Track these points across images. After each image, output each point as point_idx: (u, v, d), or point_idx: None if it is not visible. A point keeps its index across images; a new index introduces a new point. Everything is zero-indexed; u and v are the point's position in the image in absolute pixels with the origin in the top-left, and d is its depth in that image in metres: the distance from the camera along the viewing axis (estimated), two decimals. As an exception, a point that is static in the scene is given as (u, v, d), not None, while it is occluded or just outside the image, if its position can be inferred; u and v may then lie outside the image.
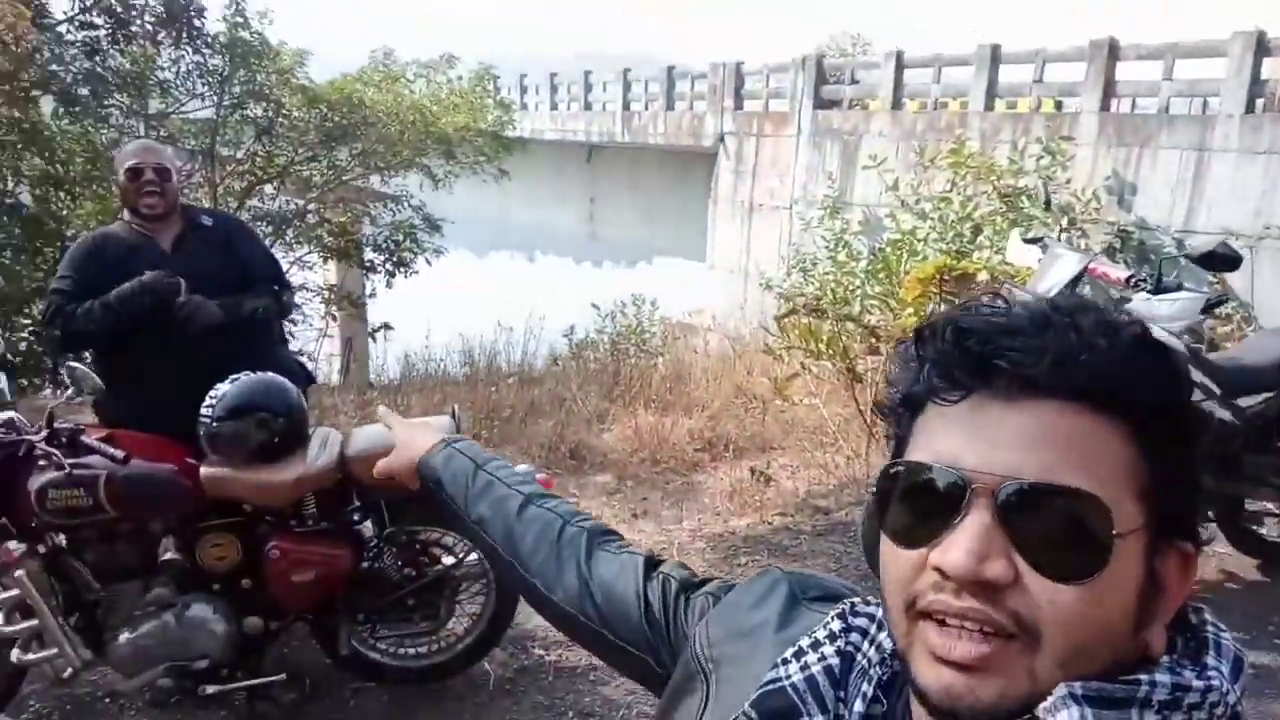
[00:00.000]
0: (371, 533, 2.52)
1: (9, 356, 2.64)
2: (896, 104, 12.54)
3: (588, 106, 19.11)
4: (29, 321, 10.66)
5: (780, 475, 5.23)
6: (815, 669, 0.65)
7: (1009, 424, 0.55)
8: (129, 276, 2.63)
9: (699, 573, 0.91)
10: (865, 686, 0.63)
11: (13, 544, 2.25)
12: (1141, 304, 3.39)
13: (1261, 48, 8.81)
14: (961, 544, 0.53)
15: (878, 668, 0.64)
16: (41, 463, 2.27)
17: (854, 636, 0.66)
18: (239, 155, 12.03)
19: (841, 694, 0.64)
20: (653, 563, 0.92)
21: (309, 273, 12.52)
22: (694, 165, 17.27)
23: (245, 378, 2.44)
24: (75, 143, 10.98)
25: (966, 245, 8.44)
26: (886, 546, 0.59)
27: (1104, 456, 0.54)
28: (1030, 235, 4.60)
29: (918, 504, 0.57)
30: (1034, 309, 0.57)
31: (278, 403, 2.44)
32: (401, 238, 12.54)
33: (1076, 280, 3.60)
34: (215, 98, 11.47)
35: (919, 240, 8.78)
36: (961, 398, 0.57)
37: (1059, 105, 11.03)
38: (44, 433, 2.24)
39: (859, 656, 0.65)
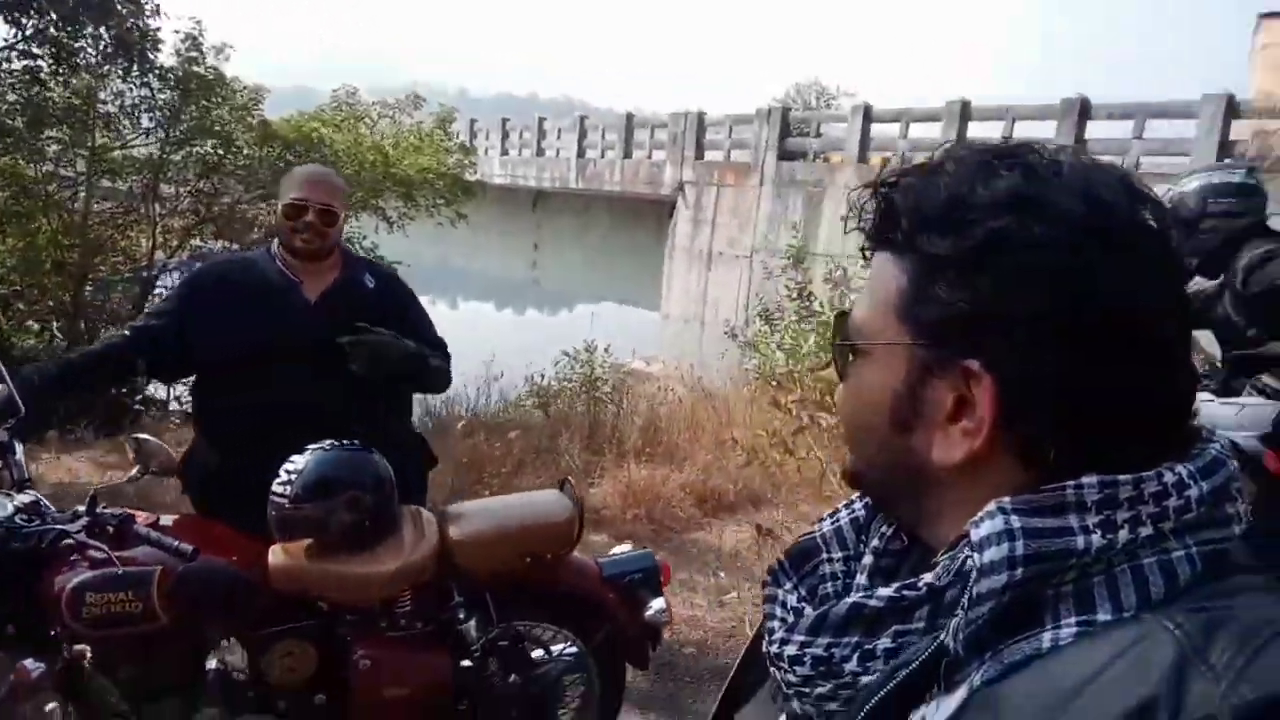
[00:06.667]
0: (475, 635, 2.08)
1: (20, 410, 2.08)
2: (862, 158, 12.59)
3: (540, 153, 18.87)
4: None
5: (783, 534, 4.92)
6: (844, 520, 0.72)
7: None
8: (254, 319, 2.20)
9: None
10: (885, 528, 0.69)
11: (31, 662, 1.76)
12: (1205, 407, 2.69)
13: (1231, 109, 9.06)
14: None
15: None
16: (74, 558, 1.80)
17: None
18: (180, 193, 11.36)
19: (863, 537, 0.70)
20: None
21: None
22: (644, 213, 17.13)
23: (326, 449, 2.00)
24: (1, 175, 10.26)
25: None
26: None
27: (877, 285, 0.62)
28: None
29: None
30: None
31: (368, 479, 2.00)
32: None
33: None
34: (162, 133, 10.83)
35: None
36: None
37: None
38: (83, 520, 1.77)
39: None
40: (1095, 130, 10.04)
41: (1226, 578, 0.53)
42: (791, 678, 0.63)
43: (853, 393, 0.64)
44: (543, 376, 8.64)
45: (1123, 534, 0.53)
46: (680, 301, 15.35)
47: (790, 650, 0.63)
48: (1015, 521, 0.53)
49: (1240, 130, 9.36)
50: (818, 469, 5.78)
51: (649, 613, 2.22)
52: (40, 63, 9.76)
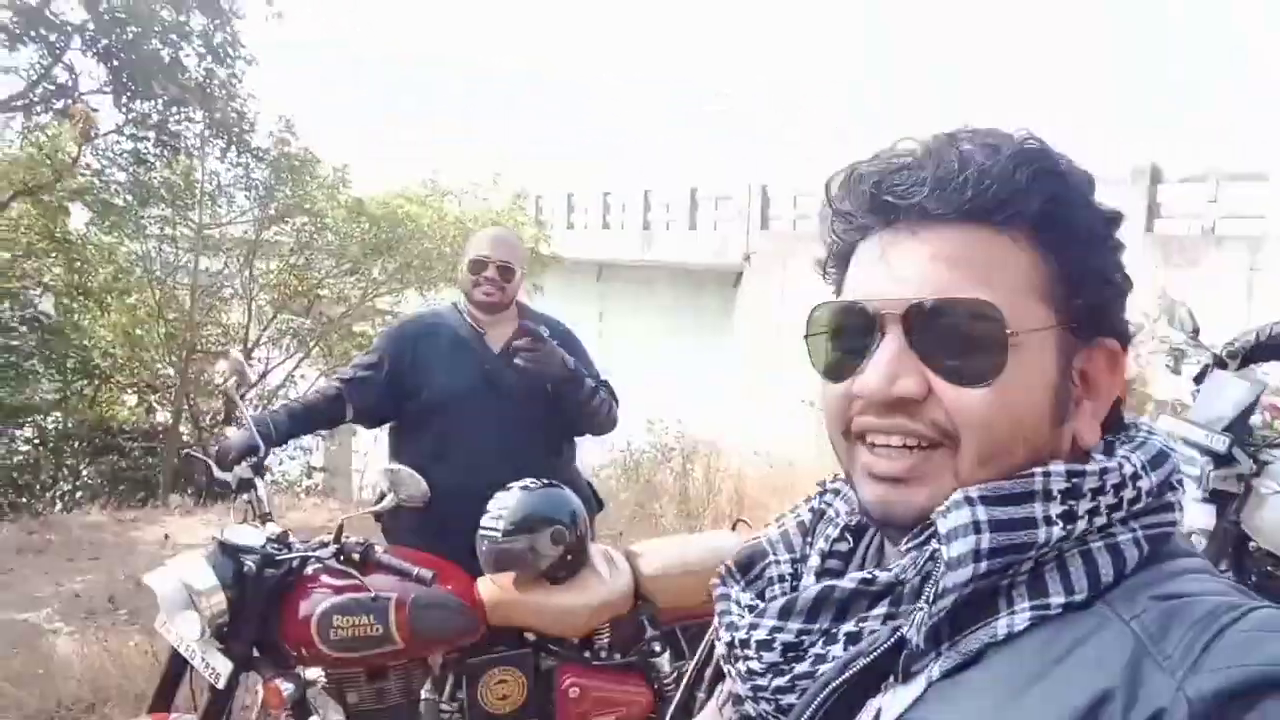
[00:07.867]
0: (669, 668, 2.17)
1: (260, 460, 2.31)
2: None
3: (605, 225, 19.36)
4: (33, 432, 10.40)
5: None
6: (789, 525, 0.71)
7: (911, 253, 0.57)
8: (448, 369, 2.42)
9: None
10: (830, 530, 0.68)
11: (281, 682, 1.89)
12: None
13: (1311, 171, 9.04)
14: (873, 369, 0.57)
15: (845, 516, 0.69)
16: (312, 585, 1.95)
17: (827, 497, 0.71)
18: (274, 268, 11.89)
19: (809, 540, 0.69)
20: None
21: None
22: (708, 283, 17.34)
23: (529, 486, 2.14)
24: (101, 253, 10.89)
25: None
26: (821, 384, 0.62)
27: (997, 266, 0.56)
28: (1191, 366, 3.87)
29: (839, 340, 0.61)
30: (926, 143, 0.59)
31: (566, 514, 2.13)
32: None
33: (1250, 409, 3.35)
34: (258, 211, 11.42)
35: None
36: (862, 237, 0.61)
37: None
38: (332, 548, 1.92)
39: (829, 511, 0.70)
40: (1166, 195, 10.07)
41: (1170, 559, 0.54)
42: (756, 665, 0.61)
43: (1009, 394, 0.55)
44: (627, 444, 8.80)
45: (1080, 524, 0.53)
46: (756, 371, 15.42)
47: (759, 635, 0.61)
48: (981, 513, 0.53)
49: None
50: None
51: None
52: (145, 145, 10.37)
